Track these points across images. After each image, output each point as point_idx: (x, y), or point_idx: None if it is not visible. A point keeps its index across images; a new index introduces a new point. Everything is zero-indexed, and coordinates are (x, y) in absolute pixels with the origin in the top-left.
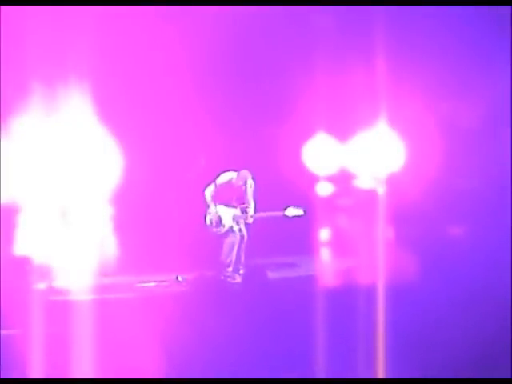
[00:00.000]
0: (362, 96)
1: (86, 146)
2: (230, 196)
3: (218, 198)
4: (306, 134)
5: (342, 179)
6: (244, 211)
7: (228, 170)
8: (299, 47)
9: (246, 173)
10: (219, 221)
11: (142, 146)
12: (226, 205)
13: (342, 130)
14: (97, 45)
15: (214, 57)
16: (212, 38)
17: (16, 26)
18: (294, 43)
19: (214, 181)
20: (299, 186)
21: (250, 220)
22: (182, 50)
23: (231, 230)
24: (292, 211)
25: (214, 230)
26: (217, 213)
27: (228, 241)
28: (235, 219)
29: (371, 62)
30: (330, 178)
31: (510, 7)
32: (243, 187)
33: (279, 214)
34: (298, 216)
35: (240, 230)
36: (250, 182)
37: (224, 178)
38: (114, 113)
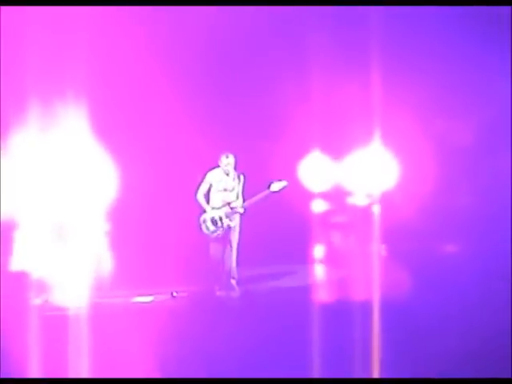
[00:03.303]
0: (356, 114)
1: (81, 162)
2: (221, 194)
3: (207, 199)
4: (301, 151)
5: (337, 196)
6: (234, 206)
7: (212, 168)
8: (295, 66)
9: (224, 155)
10: (215, 222)
11: (137, 162)
12: (217, 206)
13: (337, 148)
14: (92, 53)
15: (210, 73)
16: (208, 55)
17: (16, 31)
18: (290, 62)
19: (202, 182)
20: (294, 202)
21: (241, 210)
22: (179, 66)
23: (227, 228)
24: (276, 185)
25: (214, 234)
26: (212, 215)
27: (221, 243)
28: (228, 216)
29: (366, 80)
30: (325, 195)
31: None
32: (233, 177)
33: (266, 192)
34: (284, 187)
35: (232, 226)
36: (241, 177)
37: (212, 175)
38: (110, 127)
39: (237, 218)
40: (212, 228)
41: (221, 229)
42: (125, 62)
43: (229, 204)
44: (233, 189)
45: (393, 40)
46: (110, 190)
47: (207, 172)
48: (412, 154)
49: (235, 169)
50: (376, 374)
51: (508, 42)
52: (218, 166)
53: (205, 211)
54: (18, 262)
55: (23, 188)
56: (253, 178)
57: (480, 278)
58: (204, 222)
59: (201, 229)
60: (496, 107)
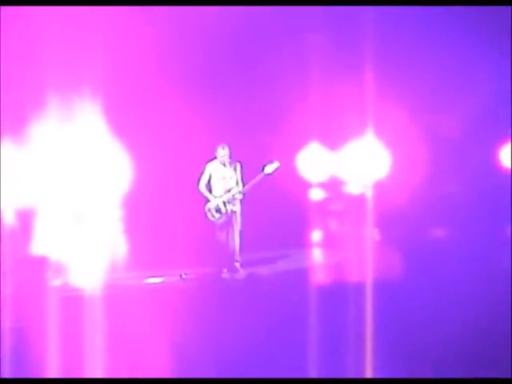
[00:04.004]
0: (351, 108)
1: (97, 152)
2: (221, 183)
3: (209, 189)
4: (300, 143)
5: (333, 185)
6: (234, 193)
7: (210, 160)
8: (294, 64)
9: (222, 149)
10: (219, 209)
11: (149, 153)
12: (219, 194)
13: (334, 140)
14: (105, 52)
15: (216, 73)
16: (212, 55)
17: (30, 31)
18: (289, 60)
19: (202, 174)
20: (293, 190)
21: (240, 196)
22: (185, 65)
23: (231, 213)
24: (270, 167)
25: (219, 221)
26: (216, 203)
27: (225, 228)
28: (230, 202)
29: (360, 77)
30: (322, 184)
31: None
32: (230, 166)
33: (261, 176)
34: (277, 169)
35: (234, 211)
36: (237, 165)
37: (210, 165)
38: (122, 123)
39: (238, 203)
40: (217, 215)
41: (225, 215)
42: (134, 59)
43: (229, 191)
44: (231, 177)
45: (386, 38)
46: (124, 179)
47: (206, 164)
48: (403, 146)
49: (231, 158)
50: (369, 354)
51: (507, 40)
52: (216, 158)
53: (209, 200)
54: (38, 246)
55: (44, 177)
56: (256, 169)
57: (466, 259)
58: (209, 210)
59: (207, 216)
60: (482, 101)
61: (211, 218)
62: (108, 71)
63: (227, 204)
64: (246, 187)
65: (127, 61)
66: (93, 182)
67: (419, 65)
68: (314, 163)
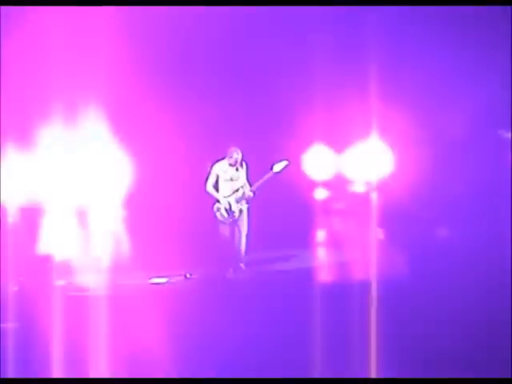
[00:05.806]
0: (356, 109)
1: (101, 153)
2: (228, 183)
3: (216, 189)
4: (305, 144)
5: (338, 184)
6: (243, 192)
7: (218, 160)
8: (299, 68)
9: (234, 150)
10: (228, 209)
11: (154, 151)
12: (227, 194)
13: (338, 140)
14: (107, 53)
15: (220, 73)
16: (217, 57)
17: (36, 34)
18: (295, 64)
19: (209, 174)
20: (298, 191)
21: (250, 194)
22: (189, 66)
23: (239, 213)
24: (278, 166)
25: (229, 220)
26: (225, 202)
27: (231, 228)
28: (239, 201)
29: (365, 79)
30: (327, 184)
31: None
32: (237, 167)
33: (270, 174)
34: (285, 167)
35: (242, 211)
36: (243, 164)
37: (218, 166)
38: (127, 124)
39: (245, 203)
40: (226, 215)
41: (234, 214)
42: (137, 61)
43: (237, 190)
44: (238, 177)
45: (390, 39)
46: (128, 179)
47: (213, 165)
48: (406, 146)
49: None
50: (374, 354)
51: (508, 40)
52: (223, 158)
53: (218, 200)
54: (43, 246)
55: (49, 177)
56: (261, 170)
57: (470, 258)
58: (218, 210)
59: (216, 216)
60: (486, 102)
61: (220, 218)
62: (112, 73)
63: (236, 203)
64: (255, 186)
65: (131, 62)
66: (97, 182)
67: (422, 66)
68: (319, 163)
